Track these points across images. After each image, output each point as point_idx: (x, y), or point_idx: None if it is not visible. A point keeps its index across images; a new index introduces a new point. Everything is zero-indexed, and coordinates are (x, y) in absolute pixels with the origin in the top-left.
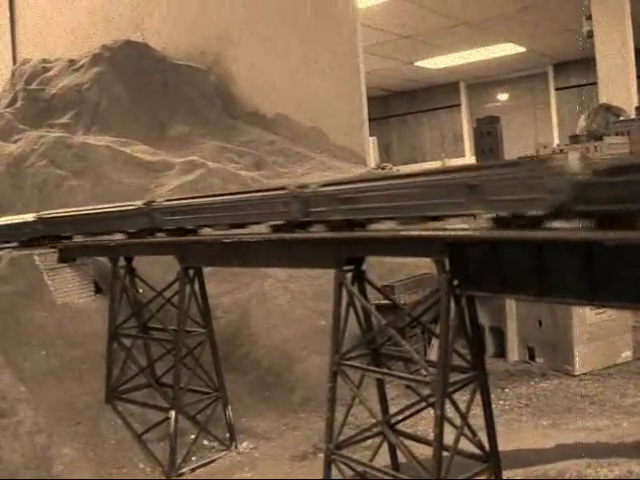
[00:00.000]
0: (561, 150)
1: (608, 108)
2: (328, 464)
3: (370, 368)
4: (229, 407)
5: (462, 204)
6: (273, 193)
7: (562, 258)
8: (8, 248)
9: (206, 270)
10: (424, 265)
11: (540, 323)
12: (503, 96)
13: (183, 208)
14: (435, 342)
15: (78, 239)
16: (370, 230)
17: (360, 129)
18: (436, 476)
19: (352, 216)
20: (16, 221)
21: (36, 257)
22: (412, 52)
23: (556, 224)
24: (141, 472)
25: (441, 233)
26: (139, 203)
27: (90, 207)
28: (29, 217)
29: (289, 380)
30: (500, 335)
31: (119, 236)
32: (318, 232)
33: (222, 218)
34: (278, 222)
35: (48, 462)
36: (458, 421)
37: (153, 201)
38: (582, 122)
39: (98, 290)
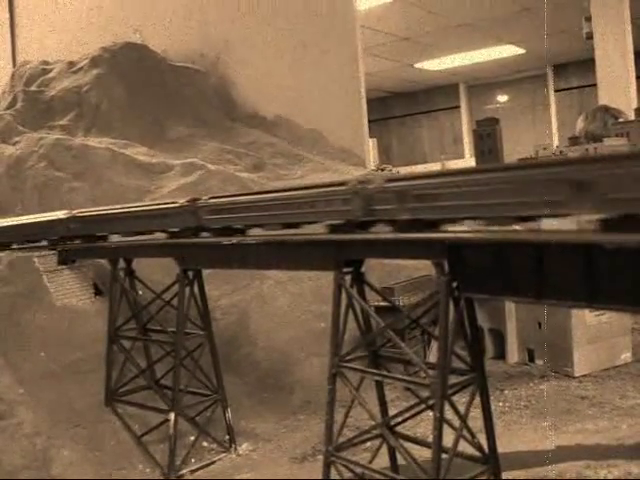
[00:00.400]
0: (561, 152)
1: (607, 109)
2: (327, 466)
3: (369, 370)
4: (228, 409)
5: (561, 203)
6: (331, 189)
7: (562, 260)
8: (37, 248)
9: (205, 272)
10: (423, 267)
11: (540, 325)
12: (503, 98)
13: (231, 206)
14: (434, 344)
15: (114, 239)
16: (369, 232)
17: (360, 131)
18: (435, 477)
19: (424, 215)
20: (46, 219)
21: (35, 259)
22: (412, 54)
23: None
24: (140, 473)
25: (440, 235)
26: (182, 200)
27: (129, 205)
28: (60, 215)
29: (288, 382)
30: (499, 337)
31: (162, 235)
32: (317, 233)
33: (274, 217)
34: (336, 221)
35: (47, 464)
36: (457, 423)
37: (198, 198)
38: (580, 123)
39: (97, 292)
